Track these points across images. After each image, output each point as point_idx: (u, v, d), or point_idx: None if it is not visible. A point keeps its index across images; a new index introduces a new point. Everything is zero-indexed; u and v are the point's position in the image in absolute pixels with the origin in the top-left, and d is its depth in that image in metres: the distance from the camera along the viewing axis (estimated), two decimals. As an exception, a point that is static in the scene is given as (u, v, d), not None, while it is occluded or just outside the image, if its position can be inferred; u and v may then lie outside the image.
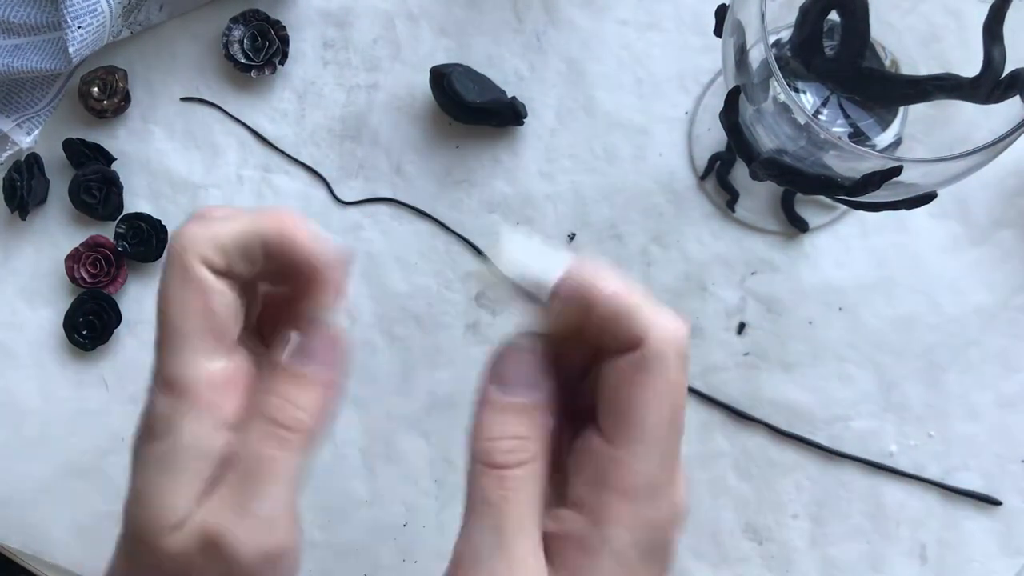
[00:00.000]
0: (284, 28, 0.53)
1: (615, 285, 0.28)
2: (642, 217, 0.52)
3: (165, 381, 0.31)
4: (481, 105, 0.51)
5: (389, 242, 0.53)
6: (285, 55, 0.53)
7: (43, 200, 0.54)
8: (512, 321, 0.51)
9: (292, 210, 0.32)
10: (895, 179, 0.35)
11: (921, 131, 0.43)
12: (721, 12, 0.40)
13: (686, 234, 0.51)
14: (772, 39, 0.43)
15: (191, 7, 0.54)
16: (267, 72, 0.53)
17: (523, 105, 0.52)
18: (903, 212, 0.40)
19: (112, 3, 0.50)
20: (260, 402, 0.31)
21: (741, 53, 0.37)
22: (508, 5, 0.53)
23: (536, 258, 0.28)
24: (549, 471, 0.30)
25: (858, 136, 0.44)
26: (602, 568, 0.28)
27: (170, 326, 0.31)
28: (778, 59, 0.42)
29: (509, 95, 0.52)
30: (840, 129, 0.44)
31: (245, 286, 0.32)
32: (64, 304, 0.53)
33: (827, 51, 0.43)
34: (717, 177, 0.51)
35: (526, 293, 0.28)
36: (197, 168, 0.54)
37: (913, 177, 0.35)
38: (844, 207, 0.50)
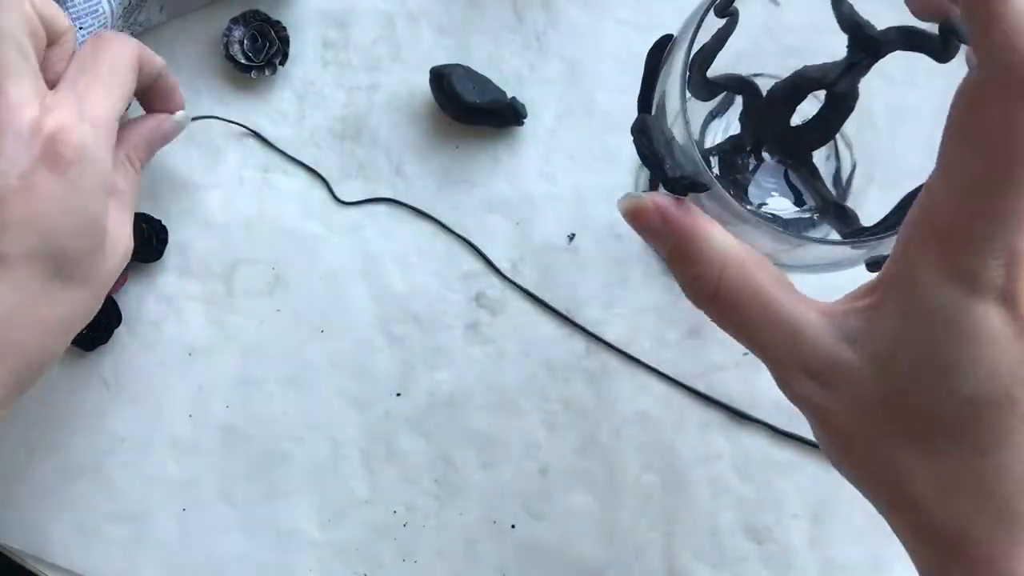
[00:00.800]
0: (284, 28, 0.53)
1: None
2: (642, 217, 0.52)
3: None
4: (481, 105, 0.51)
5: (389, 242, 0.53)
6: (285, 55, 0.53)
7: (43, 200, 0.54)
8: (511, 323, 0.52)
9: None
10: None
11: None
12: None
13: (686, 234, 0.51)
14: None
15: (191, 8, 0.54)
16: (267, 72, 0.53)
17: (523, 105, 0.52)
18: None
19: (113, 4, 0.50)
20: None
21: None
22: (508, 5, 0.54)
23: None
24: None
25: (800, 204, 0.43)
26: None
27: None
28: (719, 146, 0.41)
29: (509, 95, 0.52)
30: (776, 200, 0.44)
31: None
32: (64, 304, 0.53)
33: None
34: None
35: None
36: (197, 168, 0.54)
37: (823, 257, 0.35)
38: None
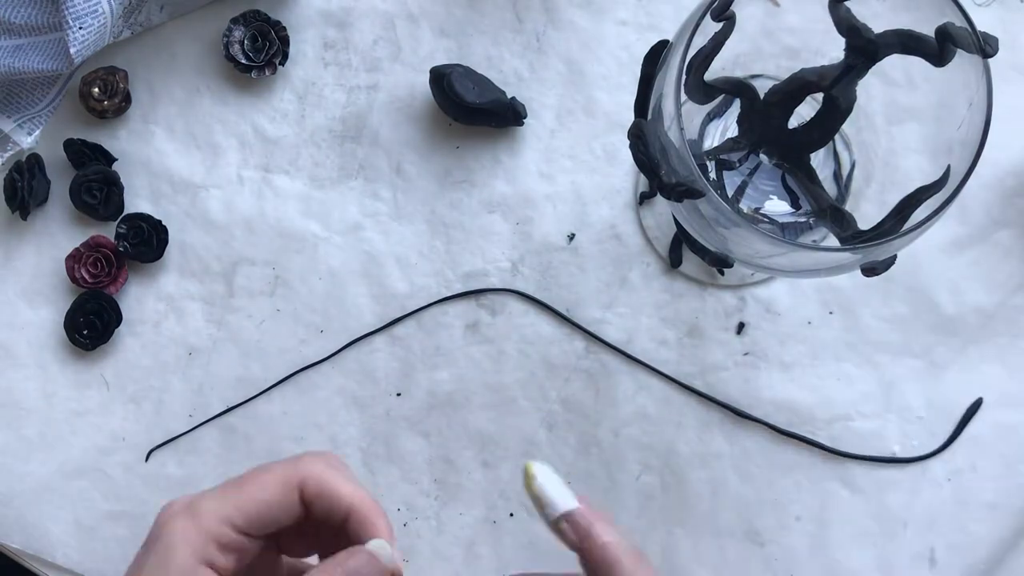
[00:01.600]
0: (284, 29, 0.53)
1: (610, 537, 0.34)
2: (642, 217, 0.52)
3: None
4: (481, 106, 0.51)
5: (389, 242, 0.53)
6: (285, 56, 0.53)
7: (44, 200, 0.54)
8: (511, 323, 0.52)
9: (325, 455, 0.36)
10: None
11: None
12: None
13: (686, 234, 0.51)
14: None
15: (192, 8, 0.54)
16: (267, 73, 0.53)
17: (523, 105, 0.52)
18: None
19: (113, 4, 0.50)
20: None
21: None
22: (508, 5, 0.53)
23: (555, 487, 0.35)
24: None
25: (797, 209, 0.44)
26: None
27: None
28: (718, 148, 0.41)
29: (509, 95, 0.52)
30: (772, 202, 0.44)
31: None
32: (65, 304, 0.53)
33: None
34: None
35: (542, 506, 0.35)
36: (198, 168, 0.54)
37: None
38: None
